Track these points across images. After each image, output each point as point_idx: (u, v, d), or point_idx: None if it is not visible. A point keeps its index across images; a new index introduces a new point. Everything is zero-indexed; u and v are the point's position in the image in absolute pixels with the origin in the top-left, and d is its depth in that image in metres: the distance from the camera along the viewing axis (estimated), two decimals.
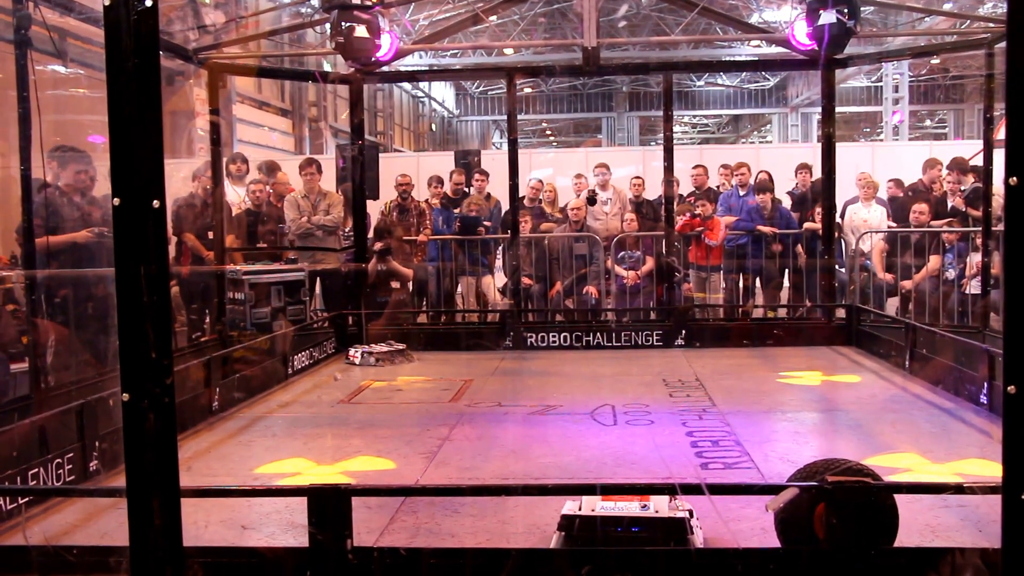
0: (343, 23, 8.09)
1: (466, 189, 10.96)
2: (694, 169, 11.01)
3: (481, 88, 35.00)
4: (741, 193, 10.20)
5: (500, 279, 10.48)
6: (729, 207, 10.18)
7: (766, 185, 9.92)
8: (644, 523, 3.16)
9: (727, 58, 24.80)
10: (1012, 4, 2.01)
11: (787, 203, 10.54)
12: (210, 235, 8.59)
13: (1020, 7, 2.00)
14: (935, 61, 27.08)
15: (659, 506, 3.21)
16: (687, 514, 3.21)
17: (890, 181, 11.04)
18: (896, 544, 3.03)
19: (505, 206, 9.98)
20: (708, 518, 3.52)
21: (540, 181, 10.98)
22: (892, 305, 9.81)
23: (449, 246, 10.00)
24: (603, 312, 9.52)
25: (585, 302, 9.72)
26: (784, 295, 10.14)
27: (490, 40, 22.24)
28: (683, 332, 8.89)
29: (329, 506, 2.96)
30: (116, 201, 1.96)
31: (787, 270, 9.96)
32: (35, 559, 3.14)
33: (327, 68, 14.61)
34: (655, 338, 8.92)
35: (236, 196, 9.72)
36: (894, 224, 10.13)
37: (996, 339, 7.23)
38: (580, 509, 3.26)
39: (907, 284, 9.39)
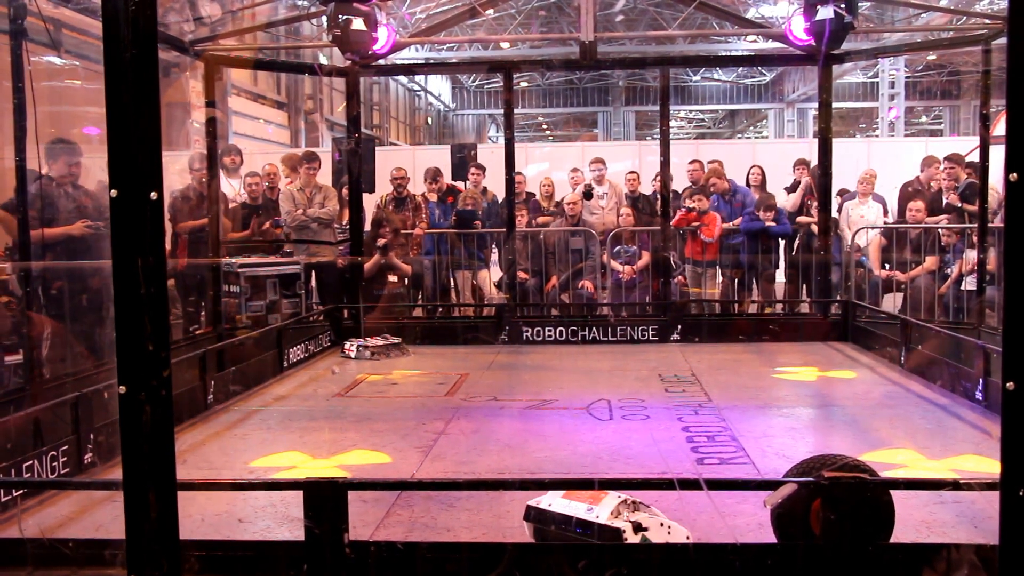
0: (340, 16, 8.08)
1: (459, 186, 10.93)
2: (690, 164, 11.00)
3: (477, 82, 34.96)
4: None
5: (496, 273, 10.46)
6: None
7: (771, 203, 9.77)
8: (586, 526, 3.12)
9: (724, 53, 24.79)
10: (1013, 1, 2.00)
11: (783, 198, 10.49)
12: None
13: (1021, 3, 1.99)
14: (931, 57, 27.12)
15: (601, 512, 3.13)
16: (629, 525, 3.08)
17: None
18: (892, 540, 3.03)
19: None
20: (705, 513, 3.53)
21: (522, 174, 10.89)
22: (888, 301, 9.80)
23: (445, 240, 9.98)
24: (599, 307, 9.51)
25: (581, 296, 9.72)
26: (780, 290, 10.13)
27: (487, 34, 22.17)
28: (679, 327, 8.90)
29: (325, 500, 2.95)
30: (114, 192, 1.95)
31: (783, 266, 9.94)
32: (30, 552, 3.13)
33: (323, 61, 14.56)
34: (651, 333, 8.93)
35: (231, 189, 9.69)
36: (890, 220, 10.12)
37: (992, 335, 7.24)
38: (540, 503, 3.25)
39: (901, 276, 9.38)
